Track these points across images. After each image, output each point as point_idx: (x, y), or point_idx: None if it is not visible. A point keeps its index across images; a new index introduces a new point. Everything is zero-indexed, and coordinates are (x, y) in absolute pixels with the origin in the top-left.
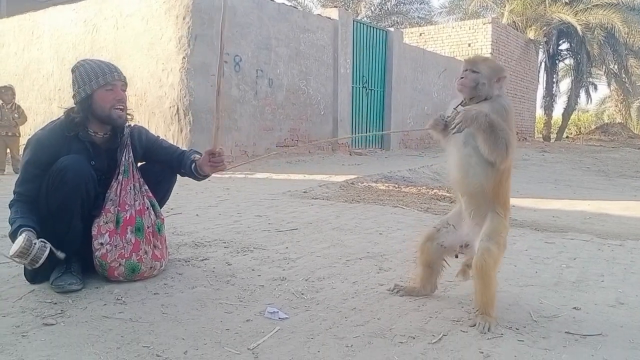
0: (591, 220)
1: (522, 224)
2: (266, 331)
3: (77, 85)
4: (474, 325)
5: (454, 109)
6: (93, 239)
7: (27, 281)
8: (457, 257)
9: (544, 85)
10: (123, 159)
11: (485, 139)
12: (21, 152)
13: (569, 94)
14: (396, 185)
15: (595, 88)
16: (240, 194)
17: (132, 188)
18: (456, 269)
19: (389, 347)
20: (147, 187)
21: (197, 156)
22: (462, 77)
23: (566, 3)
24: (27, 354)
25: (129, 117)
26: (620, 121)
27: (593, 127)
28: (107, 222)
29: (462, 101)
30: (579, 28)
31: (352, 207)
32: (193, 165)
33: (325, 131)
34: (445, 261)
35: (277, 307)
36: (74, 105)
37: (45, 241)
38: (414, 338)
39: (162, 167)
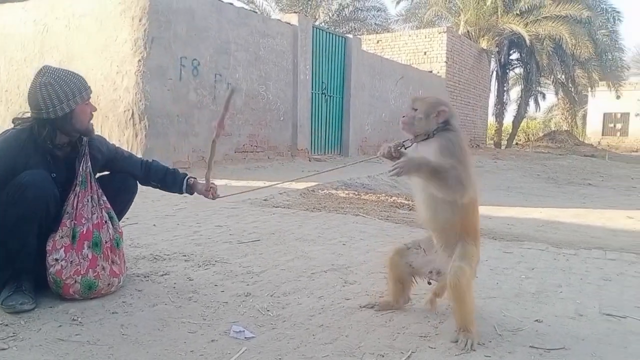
0: (544, 228)
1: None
2: (232, 352)
3: (57, 101)
4: (456, 341)
5: (402, 143)
6: (47, 255)
7: None
8: (429, 283)
9: (495, 93)
10: (80, 169)
11: (435, 185)
12: None
13: (519, 102)
14: (356, 193)
15: (544, 97)
16: (198, 202)
17: (89, 200)
18: (422, 285)
19: None
20: (105, 199)
21: (192, 179)
22: (404, 115)
23: (517, 14)
24: None
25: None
26: (566, 129)
27: (541, 134)
28: (62, 237)
29: (412, 139)
30: (527, 39)
31: (314, 216)
32: (185, 185)
33: (285, 137)
34: (414, 279)
35: (243, 325)
36: (35, 120)
37: None
38: (382, 356)
39: (124, 177)
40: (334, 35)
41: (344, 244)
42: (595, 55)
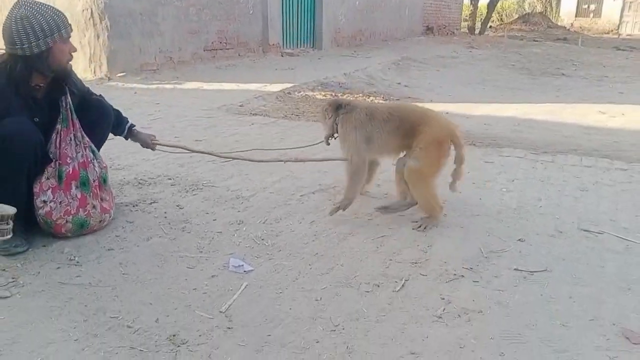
0: (520, 127)
1: None
2: (234, 288)
3: (32, 37)
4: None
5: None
6: (35, 197)
7: None
8: None
9: None
10: (61, 108)
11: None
12: None
13: None
14: (333, 94)
15: None
16: (172, 110)
17: (72, 139)
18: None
19: (356, 297)
20: (85, 135)
21: (135, 129)
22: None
23: None
24: None
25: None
26: (540, 10)
27: (515, 15)
28: (48, 178)
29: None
30: None
31: (296, 126)
32: (127, 131)
33: (255, 32)
34: None
35: (240, 257)
36: (10, 56)
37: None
38: (378, 286)
39: (100, 107)
40: None
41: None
42: None
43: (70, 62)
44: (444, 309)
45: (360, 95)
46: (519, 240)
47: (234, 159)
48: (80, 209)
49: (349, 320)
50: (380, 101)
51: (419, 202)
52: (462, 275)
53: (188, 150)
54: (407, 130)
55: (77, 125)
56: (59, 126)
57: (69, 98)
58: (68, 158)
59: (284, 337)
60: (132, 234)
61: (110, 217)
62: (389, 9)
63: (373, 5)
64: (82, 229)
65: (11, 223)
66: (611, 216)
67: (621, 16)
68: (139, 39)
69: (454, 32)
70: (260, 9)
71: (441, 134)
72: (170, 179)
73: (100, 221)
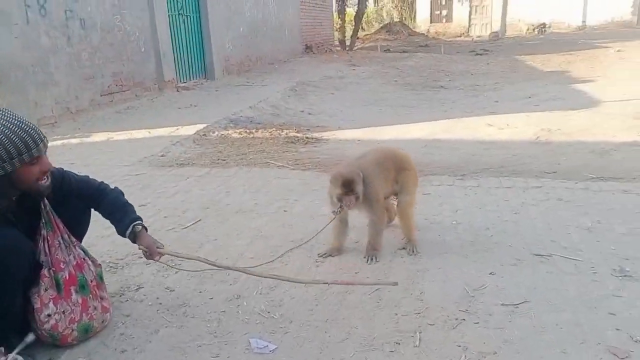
0: (429, 149)
1: None
2: None
3: None
4: (404, 248)
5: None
6: (37, 313)
7: None
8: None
9: None
10: (42, 212)
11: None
12: None
13: None
14: (247, 131)
15: None
16: (92, 170)
17: (60, 242)
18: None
19: (385, 359)
20: (70, 234)
21: (139, 227)
22: (345, 204)
23: None
24: None
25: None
26: (397, 18)
27: (375, 24)
28: (47, 289)
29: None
30: None
31: (232, 176)
32: (130, 230)
33: (149, 69)
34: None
35: (257, 336)
36: None
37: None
38: (399, 344)
39: (78, 202)
40: None
41: (285, 211)
42: None
43: (44, 181)
44: (465, 355)
45: (273, 129)
46: (490, 273)
47: (268, 277)
48: (83, 314)
49: None
50: (294, 134)
51: (409, 231)
52: (463, 319)
53: (206, 262)
54: (396, 173)
55: (61, 226)
56: (44, 232)
57: (46, 200)
58: (61, 263)
59: None
60: (136, 329)
61: (110, 315)
62: (270, 32)
63: (255, 29)
64: (86, 334)
65: None
66: (551, 237)
67: (469, 19)
68: (34, 91)
69: (331, 49)
70: (151, 45)
71: (415, 170)
72: (140, 257)
73: (102, 321)
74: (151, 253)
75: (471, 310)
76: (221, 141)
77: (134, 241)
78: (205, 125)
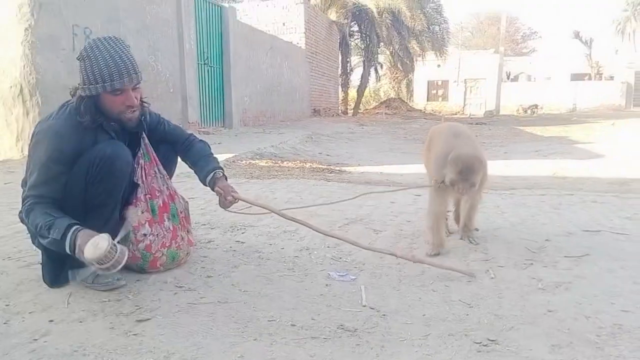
0: None
1: None
2: (355, 290)
3: (83, 79)
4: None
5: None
6: (134, 231)
7: (46, 285)
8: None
9: (340, 64)
10: (142, 143)
11: None
12: None
13: (362, 72)
14: (273, 161)
15: (382, 67)
16: None
17: (156, 172)
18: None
19: (466, 286)
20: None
21: (219, 173)
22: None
23: None
24: (156, 347)
25: (145, 108)
26: (394, 96)
27: (372, 102)
28: (143, 212)
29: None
30: (375, 11)
31: (272, 183)
32: (210, 176)
33: (175, 110)
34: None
35: (335, 270)
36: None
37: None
38: (474, 277)
39: (168, 149)
40: (210, 4)
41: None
42: (427, 26)
43: (130, 113)
44: (541, 284)
45: (297, 161)
46: (546, 240)
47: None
48: (173, 241)
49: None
50: (318, 165)
51: (473, 221)
52: (532, 263)
53: (276, 212)
54: None
55: (157, 160)
56: (142, 161)
57: (145, 134)
58: (156, 191)
59: (432, 318)
60: (216, 265)
61: (193, 249)
62: (284, 92)
63: (270, 88)
64: (173, 262)
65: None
66: (596, 221)
67: (465, 99)
68: None
69: (338, 114)
70: (179, 88)
71: None
72: (204, 224)
73: (187, 253)
74: (225, 193)
75: (537, 259)
76: (250, 167)
77: (213, 188)
78: (233, 154)
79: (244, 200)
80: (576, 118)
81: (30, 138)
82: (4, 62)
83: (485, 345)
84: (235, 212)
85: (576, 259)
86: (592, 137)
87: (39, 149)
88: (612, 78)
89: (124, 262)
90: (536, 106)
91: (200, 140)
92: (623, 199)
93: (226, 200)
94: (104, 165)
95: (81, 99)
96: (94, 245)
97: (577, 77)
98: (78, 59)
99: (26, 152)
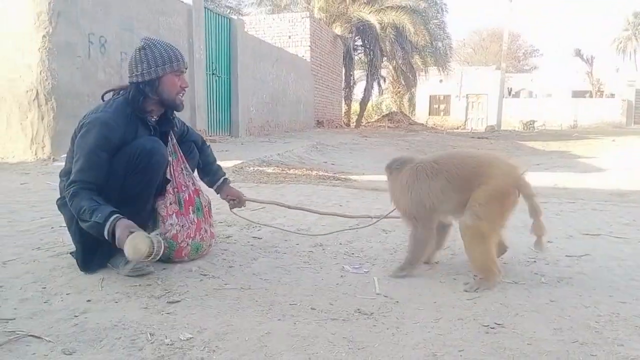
0: None
1: None
2: (369, 281)
3: (146, 65)
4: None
5: None
6: (163, 221)
7: (79, 270)
8: None
9: (344, 77)
10: (170, 141)
11: None
12: None
13: (365, 86)
14: (280, 168)
15: (385, 80)
16: None
17: (183, 169)
18: None
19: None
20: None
21: (228, 180)
22: None
23: (365, 3)
24: (189, 324)
25: None
26: (395, 110)
27: (375, 115)
28: (171, 204)
29: None
30: (378, 26)
31: (281, 187)
32: (219, 183)
33: (184, 118)
34: None
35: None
36: (130, 85)
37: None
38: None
39: (190, 148)
40: (219, 16)
41: (341, 206)
42: (430, 42)
43: (180, 96)
44: (543, 279)
45: (304, 169)
46: (549, 242)
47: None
48: (197, 233)
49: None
50: (324, 173)
51: (474, 263)
52: (534, 261)
53: (282, 205)
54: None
55: (184, 157)
56: (170, 158)
57: (173, 134)
58: (183, 186)
59: (442, 305)
60: (236, 257)
61: (213, 243)
62: (289, 103)
63: (276, 99)
64: (197, 252)
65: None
66: (595, 226)
67: (466, 113)
68: None
69: (341, 125)
70: (188, 96)
71: (505, 183)
72: (221, 222)
73: (209, 245)
74: (240, 200)
75: (539, 258)
76: (258, 173)
77: (218, 192)
78: (241, 161)
79: (254, 201)
80: (577, 134)
81: (77, 129)
82: (21, 68)
83: (492, 328)
84: (242, 217)
85: (577, 258)
86: (593, 153)
87: (88, 136)
88: (612, 96)
89: (161, 254)
90: (532, 122)
91: (208, 145)
92: (622, 208)
93: (240, 204)
94: (144, 158)
95: (137, 87)
96: (133, 247)
97: (578, 94)
98: (137, 50)
99: (40, 156)
